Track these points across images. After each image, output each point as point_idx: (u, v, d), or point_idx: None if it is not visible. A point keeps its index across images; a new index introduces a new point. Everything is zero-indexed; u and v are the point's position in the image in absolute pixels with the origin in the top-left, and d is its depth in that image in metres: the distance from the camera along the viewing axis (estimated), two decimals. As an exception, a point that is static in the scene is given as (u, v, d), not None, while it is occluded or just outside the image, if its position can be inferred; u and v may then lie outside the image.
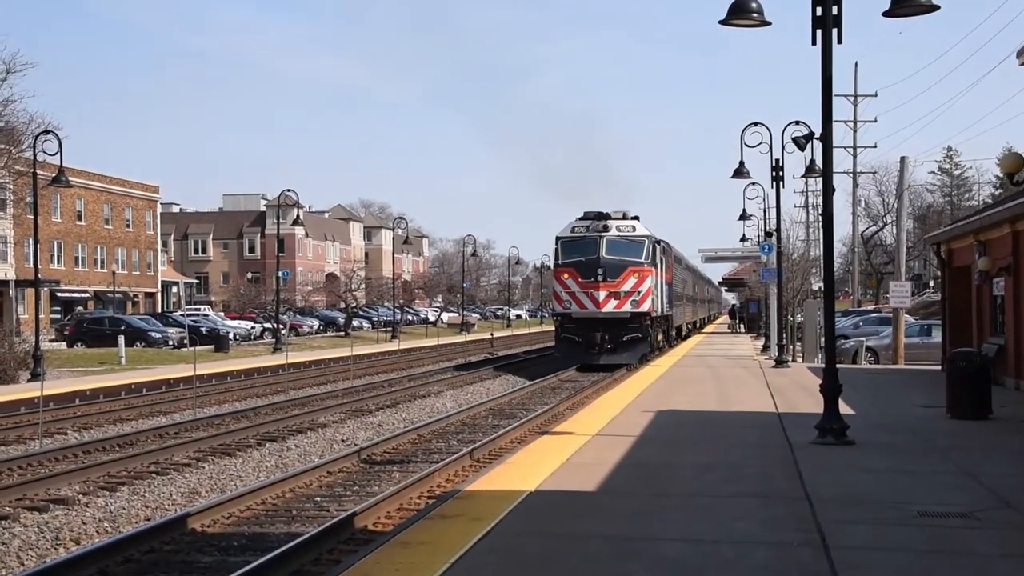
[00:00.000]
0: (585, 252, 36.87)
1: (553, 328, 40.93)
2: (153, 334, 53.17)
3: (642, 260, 37.05)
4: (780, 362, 33.34)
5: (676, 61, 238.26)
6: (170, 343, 52.63)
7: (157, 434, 21.07)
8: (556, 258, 38.17)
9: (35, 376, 31.71)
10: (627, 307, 36.62)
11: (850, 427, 14.66)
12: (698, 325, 71.90)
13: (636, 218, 38.37)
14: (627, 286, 36.64)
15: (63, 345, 54.48)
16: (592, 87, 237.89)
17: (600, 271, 36.47)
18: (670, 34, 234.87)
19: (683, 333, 55.29)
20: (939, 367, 28.79)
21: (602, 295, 36.54)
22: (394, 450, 18.75)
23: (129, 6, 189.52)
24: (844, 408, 15.68)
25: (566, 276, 37.04)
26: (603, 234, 36.97)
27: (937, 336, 34.75)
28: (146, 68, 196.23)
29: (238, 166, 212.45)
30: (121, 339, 43.43)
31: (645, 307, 37.02)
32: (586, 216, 37.92)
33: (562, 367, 37.03)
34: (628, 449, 14.20)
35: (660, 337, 42.10)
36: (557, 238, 38.00)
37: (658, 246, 39.25)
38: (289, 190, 55.73)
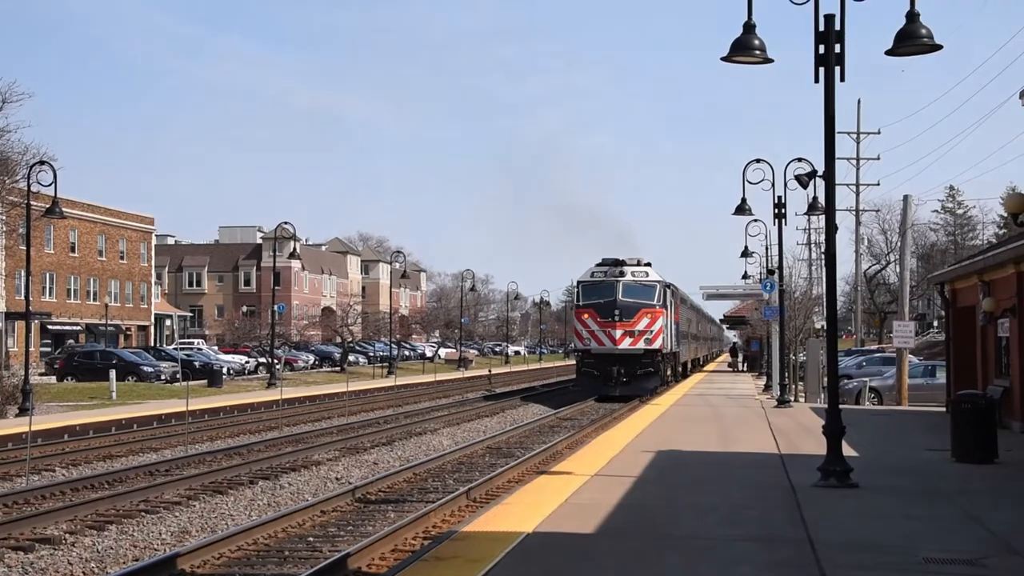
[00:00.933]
0: (603, 295, 41.75)
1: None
2: (145, 368, 53.02)
3: (654, 302, 41.97)
4: (782, 402, 33.25)
5: (676, 95, 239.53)
6: (162, 377, 52.48)
7: (147, 471, 20.95)
8: (576, 300, 43.55)
9: (23, 411, 31.60)
10: (641, 344, 41.48)
11: (854, 469, 14.58)
12: (700, 362, 75.75)
13: (648, 264, 43.30)
14: (641, 325, 41.50)
15: (53, 379, 54.34)
16: (593, 121, 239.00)
17: (617, 312, 41.29)
18: (670, 68, 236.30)
19: (688, 368, 59.62)
20: (944, 409, 28.69)
21: (618, 333, 41.35)
22: (389, 489, 18.64)
23: (127, 36, 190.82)
24: (847, 450, 15.61)
25: (586, 316, 41.99)
26: (619, 279, 41.89)
27: (941, 377, 34.66)
28: (144, 98, 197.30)
29: (235, 198, 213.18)
30: (112, 373, 43.32)
31: (657, 344, 41.76)
32: (604, 262, 42.93)
33: (575, 400, 40.52)
34: (628, 490, 14.12)
35: (669, 372, 46.56)
36: (578, 282, 43.53)
37: (667, 289, 44.12)
38: (286, 223, 55.82)
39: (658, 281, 42.78)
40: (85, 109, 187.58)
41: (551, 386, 58.45)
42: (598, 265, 42.99)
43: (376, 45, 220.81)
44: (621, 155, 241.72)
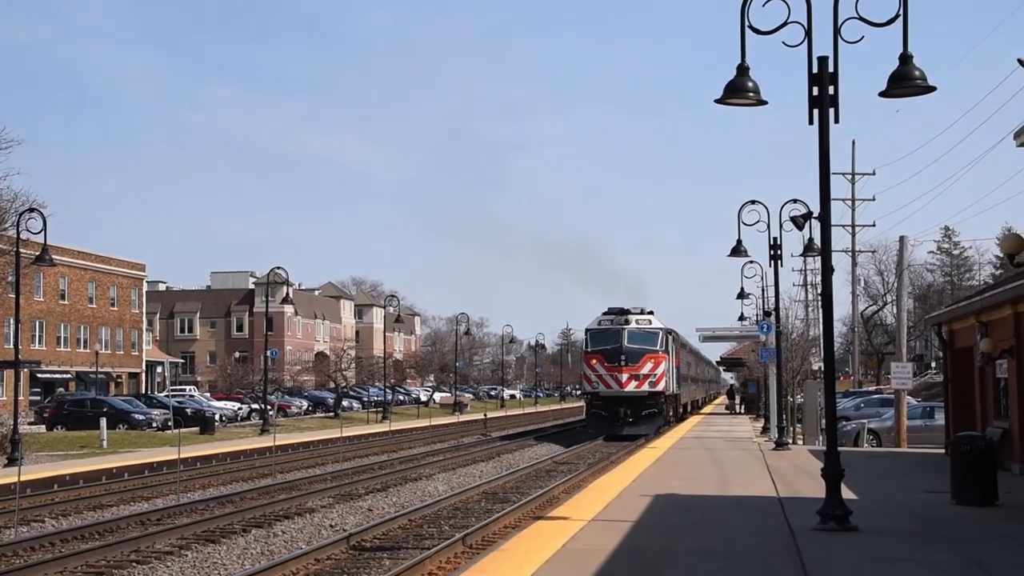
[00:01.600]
0: (610, 341, 45.23)
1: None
2: (136, 416, 52.78)
3: (657, 348, 45.47)
4: (780, 444, 33.22)
5: (670, 137, 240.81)
6: (154, 425, 52.24)
7: (139, 520, 20.82)
8: (585, 346, 47.08)
9: (12, 461, 31.40)
10: (645, 387, 44.88)
11: (853, 512, 14.54)
12: (699, 404, 78.41)
13: (651, 312, 46.98)
14: (645, 370, 44.92)
15: (43, 428, 54.04)
16: (583, 164, 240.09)
17: (623, 357, 44.80)
18: (664, 110, 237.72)
19: (687, 410, 63.02)
20: (943, 451, 28.67)
21: (624, 377, 44.78)
22: (384, 536, 18.55)
23: (117, 80, 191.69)
24: (847, 492, 15.58)
25: (594, 361, 45.39)
26: (624, 326, 45.38)
27: (940, 418, 34.61)
28: (134, 143, 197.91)
29: (227, 243, 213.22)
30: (103, 421, 43.10)
31: (660, 387, 45.26)
32: (610, 311, 46.58)
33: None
34: (625, 535, 14.07)
35: (671, 412, 50.27)
36: (586, 330, 47.13)
37: (669, 335, 47.55)
38: (279, 267, 55.87)
39: (660, 328, 46.39)
40: (75, 155, 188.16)
41: (547, 430, 58.36)
42: (604, 314, 46.62)
43: (369, 89, 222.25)
44: (613, 196, 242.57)
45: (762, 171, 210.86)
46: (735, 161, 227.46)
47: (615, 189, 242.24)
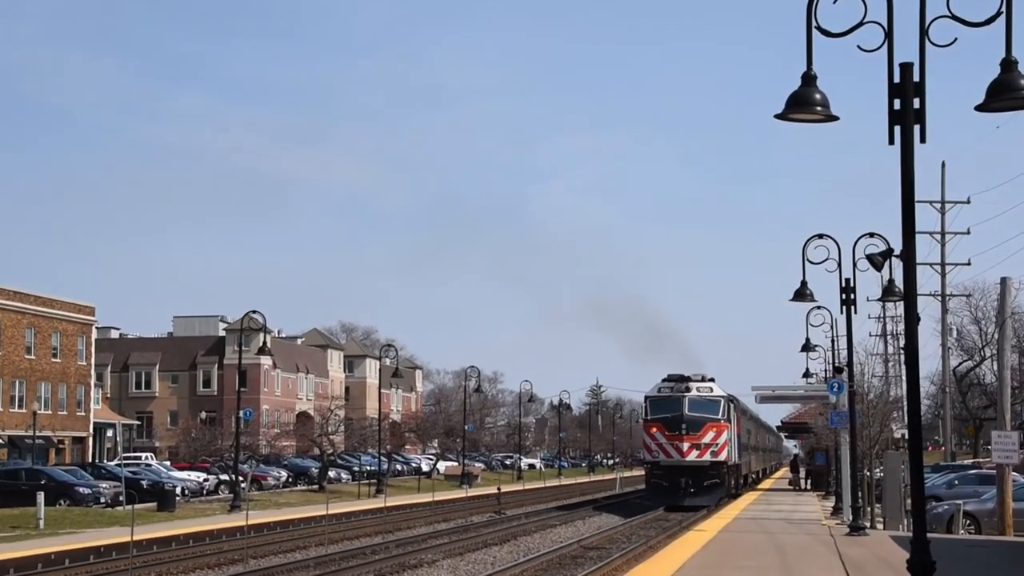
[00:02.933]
0: (670, 409, 51.33)
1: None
2: (81, 489, 52.74)
3: (719, 416, 51.38)
4: (856, 529, 32.98)
5: (719, 161, 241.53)
6: (102, 500, 52.19)
7: (82, 616, 20.72)
8: (645, 414, 54.56)
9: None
10: (707, 457, 50.75)
11: (946, 615, 14.32)
12: (759, 476, 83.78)
13: (712, 379, 53.12)
14: (707, 439, 50.75)
15: (-34, 504, 54.00)
16: (618, 187, 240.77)
17: (684, 425, 50.58)
18: (712, 122, 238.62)
19: (748, 481, 69.83)
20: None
21: (686, 446, 50.63)
22: (376, 639, 18.42)
23: (63, 90, 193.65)
24: (938, 590, 15.33)
25: (655, 430, 51.62)
26: (685, 394, 51.38)
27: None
28: (83, 165, 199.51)
29: (192, 284, 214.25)
30: (40, 496, 43.00)
31: (722, 457, 51.10)
32: (670, 378, 52.84)
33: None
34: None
35: (733, 483, 56.51)
36: (646, 397, 54.30)
37: (731, 404, 53.86)
38: (254, 311, 55.92)
39: (722, 396, 52.50)
40: (10, 178, 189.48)
41: (571, 506, 58.11)
42: (664, 381, 52.91)
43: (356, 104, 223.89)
44: (648, 229, 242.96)
45: (831, 200, 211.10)
46: (798, 188, 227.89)
47: (649, 224, 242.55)
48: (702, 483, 50.41)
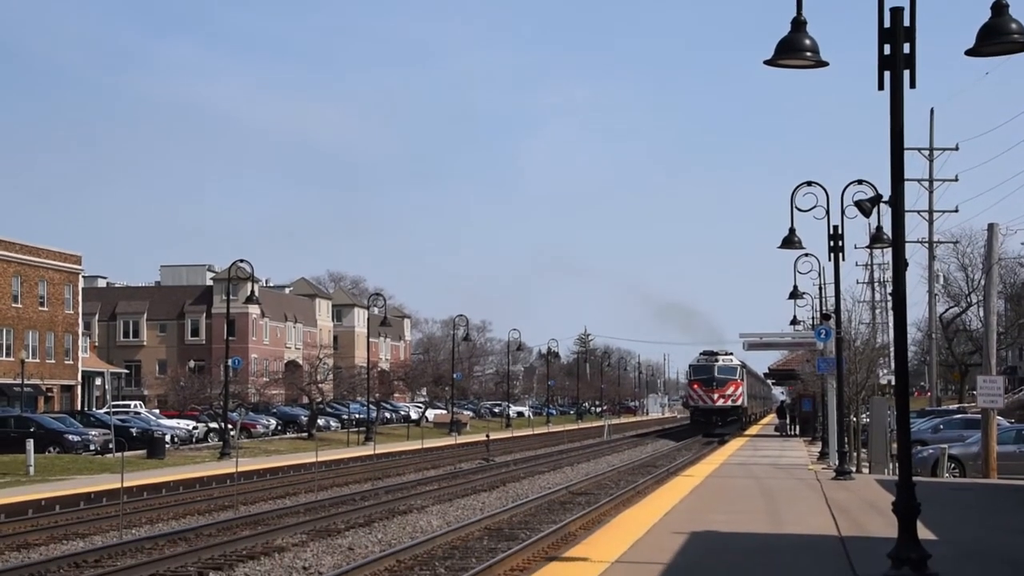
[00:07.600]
0: (706, 372, 79.69)
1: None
2: (71, 437, 52.86)
3: (736, 377, 79.99)
4: (842, 473, 33.22)
5: (711, 106, 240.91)
6: (92, 448, 52.33)
7: (73, 563, 20.85)
8: (689, 376, 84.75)
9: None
10: (729, 403, 79.17)
11: (932, 556, 14.48)
12: (758, 416, 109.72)
13: (731, 353, 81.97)
14: (729, 391, 78.84)
15: (-42, 451, 54.11)
16: (618, 134, 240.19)
17: (714, 383, 78.72)
18: (702, 70, 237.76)
19: (752, 418, 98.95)
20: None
21: (716, 396, 78.73)
22: (367, 582, 18.58)
23: (49, 39, 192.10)
24: (924, 532, 15.52)
25: (696, 386, 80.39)
26: (715, 362, 79.82)
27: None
28: (69, 116, 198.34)
29: (179, 232, 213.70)
30: (30, 444, 43.11)
31: (739, 403, 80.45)
32: (704, 352, 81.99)
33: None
34: (657, 582, 14.04)
35: (744, 419, 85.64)
36: (690, 365, 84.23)
37: (744, 368, 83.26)
38: (242, 260, 55.91)
39: (739, 364, 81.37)
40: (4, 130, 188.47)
41: (560, 453, 58.42)
42: (701, 353, 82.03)
43: (346, 51, 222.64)
44: (635, 182, 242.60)
45: (819, 147, 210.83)
46: (786, 136, 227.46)
47: (638, 173, 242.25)
48: (726, 419, 78.99)
